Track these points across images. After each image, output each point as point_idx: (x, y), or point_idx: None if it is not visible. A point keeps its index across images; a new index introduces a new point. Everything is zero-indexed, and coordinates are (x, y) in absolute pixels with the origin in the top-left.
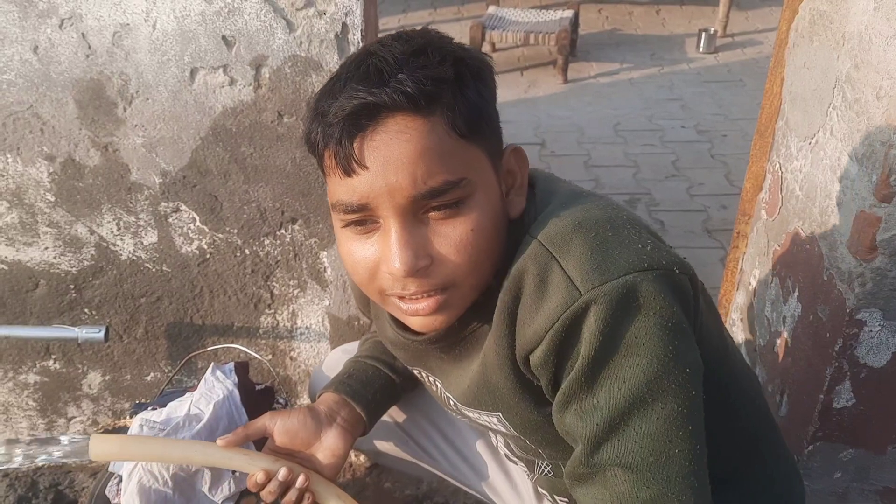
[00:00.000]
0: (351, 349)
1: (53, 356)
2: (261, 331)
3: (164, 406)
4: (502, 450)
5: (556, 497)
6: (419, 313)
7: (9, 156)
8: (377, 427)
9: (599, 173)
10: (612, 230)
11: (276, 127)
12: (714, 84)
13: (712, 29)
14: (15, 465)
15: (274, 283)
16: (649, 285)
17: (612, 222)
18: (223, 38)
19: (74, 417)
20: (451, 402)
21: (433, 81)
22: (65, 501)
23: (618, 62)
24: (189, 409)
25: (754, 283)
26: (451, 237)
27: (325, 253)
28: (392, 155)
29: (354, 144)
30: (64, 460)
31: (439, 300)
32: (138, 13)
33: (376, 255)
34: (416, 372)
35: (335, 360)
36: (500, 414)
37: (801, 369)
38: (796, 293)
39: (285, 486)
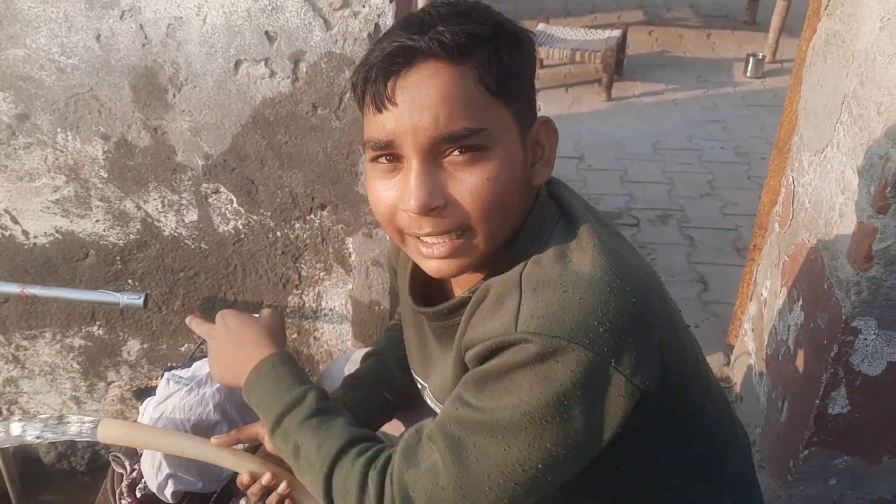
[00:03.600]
0: (356, 360)
1: (98, 322)
2: (288, 310)
3: (190, 366)
4: None
5: None
6: (433, 256)
7: (69, 134)
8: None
9: (634, 188)
10: (586, 299)
11: (311, 118)
12: (758, 108)
13: (761, 54)
14: (26, 443)
15: (302, 265)
16: (575, 364)
17: (592, 292)
18: (266, 33)
19: (113, 382)
20: (425, 392)
21: (469, 36)
22: (100, 460)
23: (663, 83)
24: None
25: (766, 294)
26: (467, 183)
27: (350, 239)
28: (420, 95)
29: (388, 83)
30: (74, 440)
31: (454, 244)
32: (191, 7)
33: (397, 193)
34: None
35: (344, 366)
36: None
37: (800, 376)
38: (800, 302)
39: (268, 490)
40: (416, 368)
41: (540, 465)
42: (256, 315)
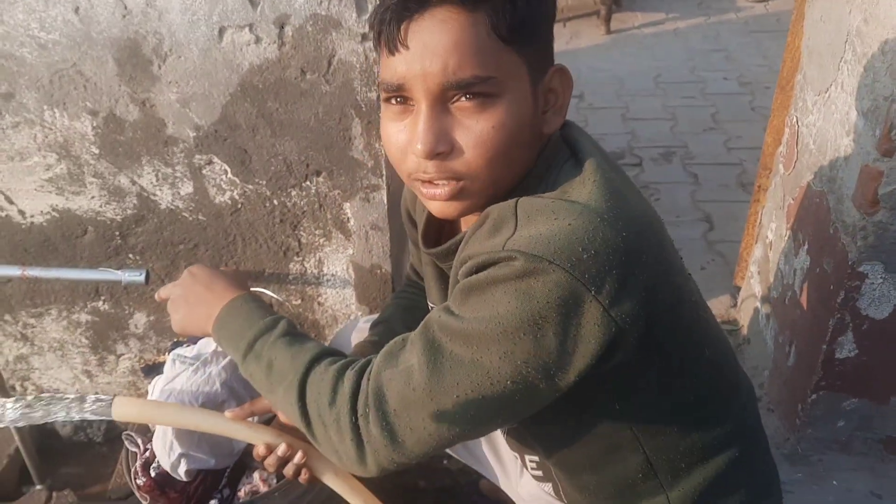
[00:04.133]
0: (363, 328)
1: (102, 297)
2: (290, 277)
3: (195, 343)
4: None
5: (526, 457)
6: (436, 198)
7: (56, 111)
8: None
9: (636, 126)
10: (576, 231)
11: (300, 83)
12: (761, 34)
13: None
14: (35, 422)
15: (301, 233)
16: (553, 285)
17: (587, 227)
18: None
19: (123, 354)
20: None
21: None
22: (116, 430)
23: (663, 12)
24: (217, 346)
25: (771, 237)
26: (474, 130)
27: (347, 204)
28: (431, 41)
29: (402, 26)
30: (87, 418)
31: (455, 187)
32: None
33: (407, 136)
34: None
35: (350, 333)
36: None
37: (807, 320)
38: (806, 246)
39: (285, 460)
40: (438, 304)
41: (509, 382)
42: None
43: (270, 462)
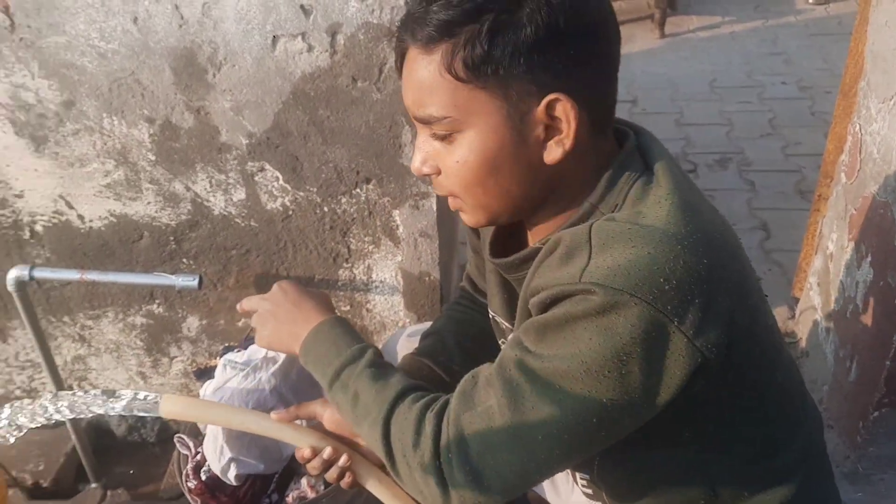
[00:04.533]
0: (412, 337)
1: (157, 301)
2: (339, 283)
3: (246, 349)
4: None
5: (577, 474)
6: (452, 207)
7: (115, 118)
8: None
9: (690, 132)
10: (655, 258)
11: (351, 91)
12: (822, 37)
13: None
14: (88, 414)
15: (350, 239)
16: (636, 319)
17: (667, 253)
18: (301, 6)
19: (176, 357)
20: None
21: (440, 24)
22: (169, 431)
23: (719, 15)
24: (266, 353)
25: (832, 248)
26: (445, 161)
27: (396, 211)
28: (406, 78)
29: (400, 58)
30: (136, 414)
31: (457, 202)
32: None
33: None
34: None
35: (397, 342)
36: None
37: (869, 335)
38: (869, 258)
39: (329, 464)
40: (504, 316)
41: (594, 420)
42: None
43: (315, 465)
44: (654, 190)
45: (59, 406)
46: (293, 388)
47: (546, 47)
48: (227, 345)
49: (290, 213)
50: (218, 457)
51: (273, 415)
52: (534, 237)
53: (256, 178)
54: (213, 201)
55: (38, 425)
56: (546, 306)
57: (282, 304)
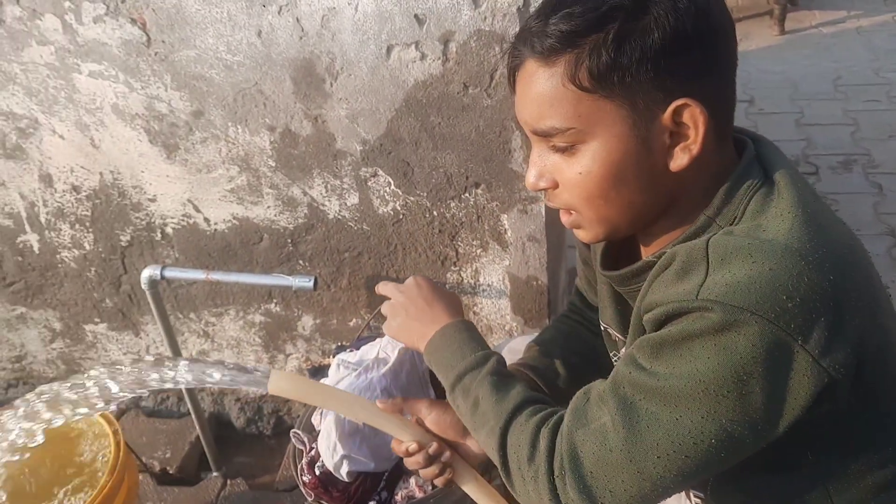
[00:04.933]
0: (516, 348)
1: (274, 300)
2: (447, 286)
3: (358, 349)
4: None
5: (692, 492)
6: (565, 224)
7: (239, 127)
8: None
9: (812, 132)
10: (778, 276)
11: (462, 98)
12: None
13: None
14: (207, 384)
15: (459, 243)
16: (757, 338)
17: (790, 270)
18: (415, 16)
19: (291, 354)
20: (623, 349)
21: (562, 35)
22: (284, 425)
23: (844, 10)
24: (378, 353)
25: None
26: (565, 173)
27: (505, 216)
28: (522, 90)
29: (514, 72)
30: (244, 387)
31: (572, 218)
32: None
33: None
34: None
35: (503, 348)
36: None
37: None
38: None
39: (431, 459)
40: (617, 327)
41: (713, 441)
42: None
43: (419, 459)
44: (775, 202)
45: (177, 373)
46: (403, 389)
47: (673, 52)
48: (339, 344)
49: (401, 216)
50: (331, 453)
51: (379, 403)
52: (647, 250)
53: (369, 184)
54: (328, 205)
55: (158, 389)
56: (661, 323)
57: (415, 299)
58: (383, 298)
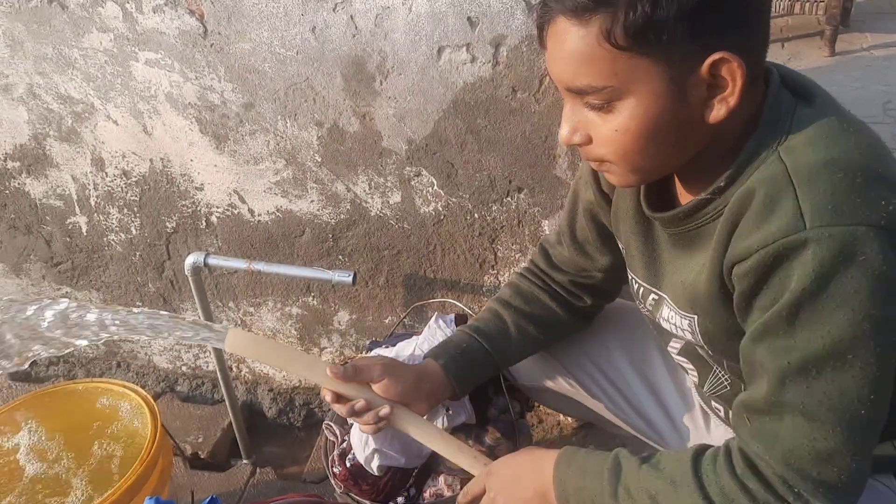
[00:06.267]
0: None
1: (312, 294)
2: (483, 289)
3: (394, 346)
4: (677, 358)
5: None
6: (601, 171)
7: (288, 121)
8: (543, 367)
9: None
10: (863, 178)
11: (510, 102)
12: None
13: None
14: (163, 336)
15: (498, 246)
16: (878, 243)
17: (864, 171)
18: (468, 18)
19: (326, 348)
20: (650, 298)
21: None
22: (314, 417)
23: None
24: (413, 351)
25: None
26: (600, 130)
27: (546, 221)
28: (554, 49)
29: (543, 28)
30: (200, 343)
31: (608, 167)
32: None
33: None
34: (630, 273)
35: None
36: (695, 318)
37: None
38: None
39: (379, 422)
40: (643, 278)
41: (893, 360)
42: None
43: (366, 420)
44: (818, 110)
45: (137, 321)
46: None
47: (709, 6)
48: (373, 339)
49: (442, 217)
50: (363, 447)
51: (329, 369)
52: (690, 187)
53: (412, 183)
54: (371, 203)
55: (116, 337)
56: (769, 267)
57: (504, 483)
58: (419, 298)
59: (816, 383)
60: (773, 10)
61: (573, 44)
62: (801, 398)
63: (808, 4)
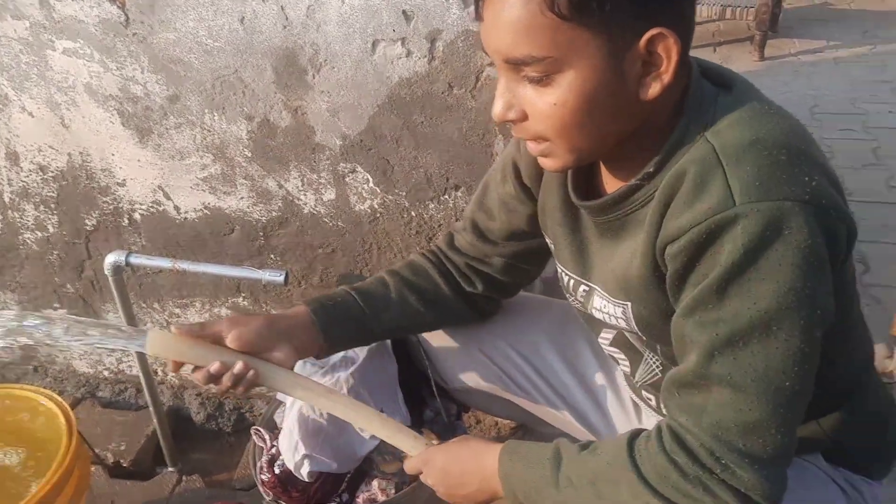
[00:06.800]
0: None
1: (242, 294)
2: None
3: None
4: (608, 349)
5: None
6: (533, 152)
7: (215, 114)
8: (473, 367)
9: None
10: (787, 156)
11: (446, 98)
12: None
13: None
14: (84, 343)
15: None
16: (803, 217)
17: (788, 148)
18: (403, 12)
19: None
20: (581, 290)
21: None
22: (245, 422)
23: (824, 39)
24: (346, 353)
25: None
26: (537, 105)
27: None
28: (493, 17)
29: None
30: (119, 349)
31: (542, 146)
32: None
33: None
34: (558, 266)
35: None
36: (628, 305)
37: None
38: None
39: (237, 380)
40: (573, 270)
41: (817, 333)
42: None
43: (225, 382)
44: (739, 96)
45: (46, 330)
46: (370, 388)
47: None
48: None
49: (378, 215)
50: (293, 452)
51: (174, 328)
52: (617, 174)
53: (347, 180)
54: (304, 200)
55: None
56: (700, 245)
57: (445, 473)
58: None
59: (743, 354)
60: (705, 14)
61: (514, 12)
62: (728, 369)
63: (738, 10)
